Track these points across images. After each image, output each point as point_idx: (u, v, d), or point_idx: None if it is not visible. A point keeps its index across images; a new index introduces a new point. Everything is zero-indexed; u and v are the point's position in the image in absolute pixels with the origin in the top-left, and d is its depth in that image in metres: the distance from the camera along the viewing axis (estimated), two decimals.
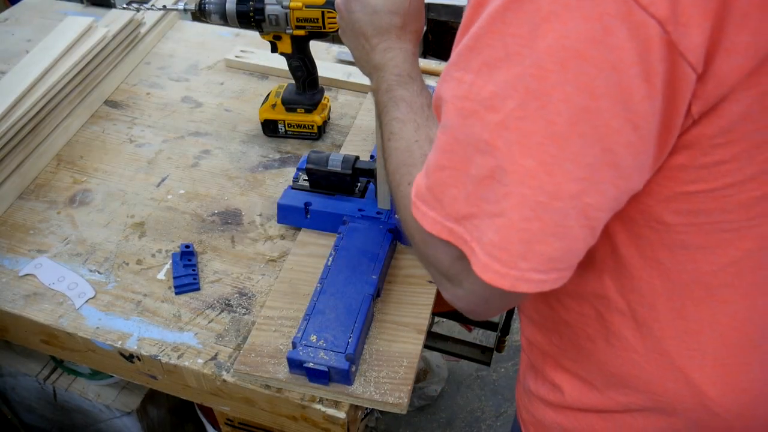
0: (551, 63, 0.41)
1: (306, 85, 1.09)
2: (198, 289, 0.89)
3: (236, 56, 1.31)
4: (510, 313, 1.49)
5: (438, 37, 1.71)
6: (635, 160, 0.45)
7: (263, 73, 1.30)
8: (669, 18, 0.39)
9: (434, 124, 0.62)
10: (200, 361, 0.80)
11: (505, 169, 0.44)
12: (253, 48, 1.34)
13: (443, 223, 0.50)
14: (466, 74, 0.46)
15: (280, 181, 1.06)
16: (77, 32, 1.19)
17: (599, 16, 0.40)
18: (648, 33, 0.40)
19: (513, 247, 0.45)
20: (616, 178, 0.45)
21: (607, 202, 0.46)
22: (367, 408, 0.83)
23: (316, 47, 1.36)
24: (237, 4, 1.00)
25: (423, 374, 1.87)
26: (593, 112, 0.42)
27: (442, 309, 1.53)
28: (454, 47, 0.52)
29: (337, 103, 1.23)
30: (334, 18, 0.97)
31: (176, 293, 0.88)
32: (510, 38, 0.43)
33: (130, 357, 0.83)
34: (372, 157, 0.96)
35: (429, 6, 1.60)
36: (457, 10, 1.63)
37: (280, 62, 1.29)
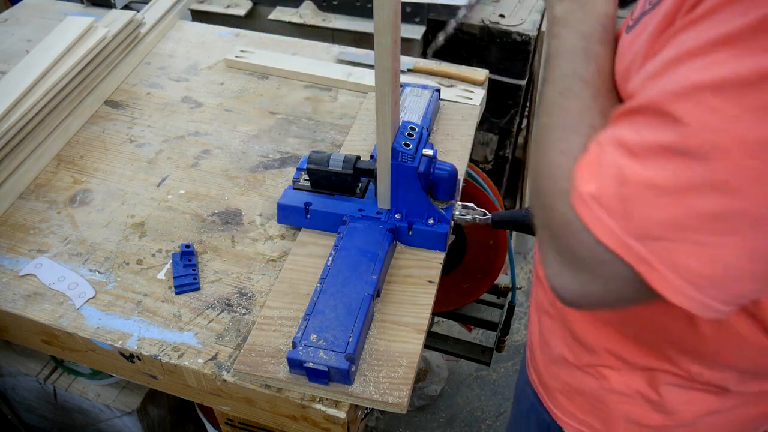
0: None
1: None
2: (198, 289, 0.89)
3: (236, 56, 1.31)
4: (510, 314, 1.49)
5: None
6: None
7: (263, 73, 1.30)
8: None
9: (614, 98, 0.57)
10: (200, 360, 0.81)
11: (736, 212, 0.42)
12: (253, 48, 1.34)
13: (621, 237, 0.47)
14: (730, 105, 0.41)
15: (280, 181, 1.06)
16: (77, 32, 1.19)
17: None
18: None
19: (717, 280, 0.45)
20: None
21: None
22: (367, 408, 0.83)
23: (316, 47, 1.36)
24: None
25: (423, 374, 1.87)
26: None
27: (442, 309, 1.54)
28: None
29: (337, 103, 1.23)
30: None
31: (176, 293, 0.88)
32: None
33: (131, 357, 0.83)
34: (372, 157, 0.96)
35: (429, 6, 1.60)
36: (455, 10, 1.63)
37: (280, 62, 1.29)
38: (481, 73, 1.25)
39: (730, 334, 0.59)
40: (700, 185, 0.42)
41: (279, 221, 0.97)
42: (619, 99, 0.58)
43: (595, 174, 0.48)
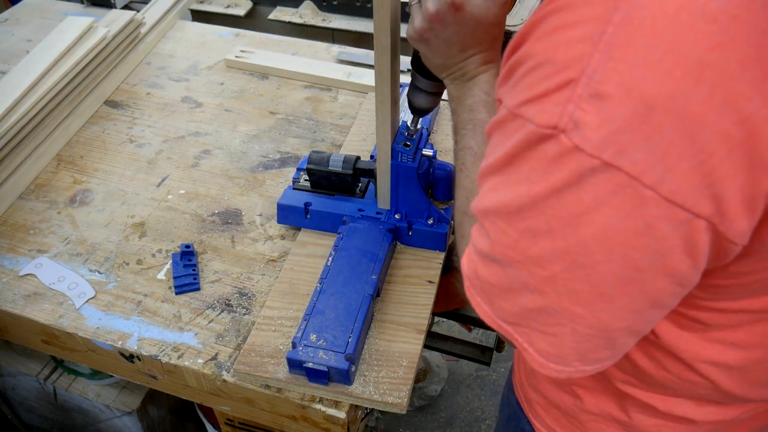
0: (596, 246, 0.43)
1: None
2: (198, 289, 0.89)
3: (236, 56, 1.31)
4: None
5: None
6: (679, 298, 0.48)
7: (263, 73, 1.30)
8: (714, 214, 0.40)
9: None
10: (200, 361, 0.81)
11: (554, 309, 0.47)
12: (253, 48, 1.34)
13: (494, 319, 0.53)
14: (510, 228, 0.47)
15: (280, 181, 1.06)
16: (77, 32, 1.19)
17: (642, 215, 0.41)
18: (694, 226, 0.40)
19: (568, 358, 0.50)
20: (661, 311, 0.48)
21: (655, 321, 0.50)
22: (367, 408, 0.83)
23: (316, 47, 1.36)
24: None
25: (423, 374, 1.87)
26: (639, 281, 0.44)
27: (441, 309, 1.53)
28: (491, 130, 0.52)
29: (337, 103, 1.23)
30: None
31: (176, 293, 0.88)
32: (552, 219, 0.44)
33: (131, 357, 0.83)
34: (372, 157, 0.96)
35: None
36: None
37: (280, 62, 1.29)
38: None
39: (662, 368, 0.61)
40: (518, 287, 0.48)
41: (279, 221, 0.97)
42: None
43: (468, 260, 0.54)
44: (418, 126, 0.84)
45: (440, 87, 0.78)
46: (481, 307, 0.53)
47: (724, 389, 0.60)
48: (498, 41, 0.68)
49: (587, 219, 0.42)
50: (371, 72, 1.25)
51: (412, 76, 0.79)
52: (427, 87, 0.78)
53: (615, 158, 0.39)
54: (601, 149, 0.39)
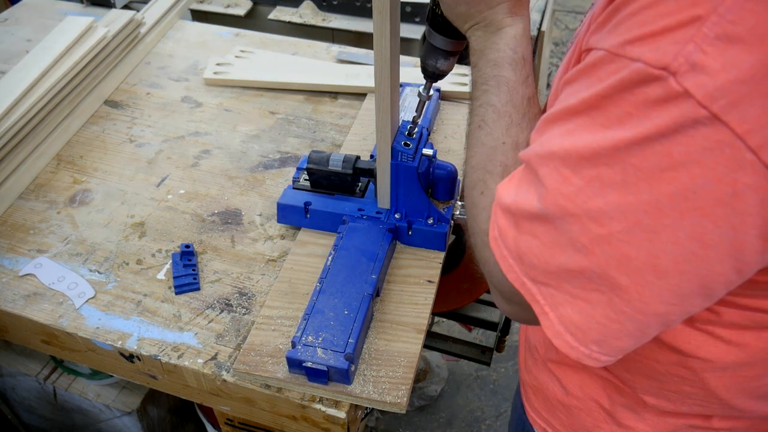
0: (670, 208, 0.40)
1: None
2: (198, 289, 0.89)
3: (215, 72, 1.27)
4: None
5: None
6: (726, 291, 0.45)
7: (243, 87, 1.26)
8: None
9: (528, 126, 0.59)
10: (200, 360, 0.81)
11: (597, 274, 0.45)
12: (252, 48, 1.34)
13: (519, 275, 0.50)
14: (574, 176, 0.44)
15: (280, 181, 1.06)
16: (77, 32, 1.19)
17: (733, 181, 0.38)
18: None
19: (590, 334, 0.47)
20: (705, 301, 0.45)
21: (688, 315, 0.47)
22: (367, 408, 0.83)
23: (316, 47, 1.36)
24: None
25: (423, 374, 1.87)
26: (701, 258, 0.41)
27: (442, 309, 1.54)
28: (556, 88, 0.49)
29: (337, 102, 1.23)
30: None
31: (176, 293, 0.88)
32: (630, 169, 0.41)
33: (130, 357, 0.83)
34: (372, 156, 0.96)
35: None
36: None
37: (262, 74, 1.29)
38: None
39: (653, 359, 0.60)
40: (563, 243, 0.46)
41: (279, 221, 0.97)
42: None
43: (499, 215, 0.52)
44: (431, 93, 0.80)
45: (458, 45, 0.73)
46: (506, 261, 0.50)
47: (711, 389, 0.59)
48: None
49: (670, 175, 0.39)
50: (371, 72, 1.25)
51: (427, 35, 0.74)
52: (445, 45, 0.72)
53: (724, 111, 0.36)
54: (713, 99, 0.36)
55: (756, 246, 0.40)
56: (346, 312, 0.78)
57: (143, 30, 1.35)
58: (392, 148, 0.84)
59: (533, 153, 0.48)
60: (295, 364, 0.74)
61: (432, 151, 0.88)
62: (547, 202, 0.46)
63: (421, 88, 0.80)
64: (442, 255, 0.91)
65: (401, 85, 1.13)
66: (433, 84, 0.78)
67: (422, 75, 0.77)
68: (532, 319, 0.52)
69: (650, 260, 0.42)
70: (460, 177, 0.94)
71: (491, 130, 0.60)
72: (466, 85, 1.17)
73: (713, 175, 0.38)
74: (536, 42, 1.59)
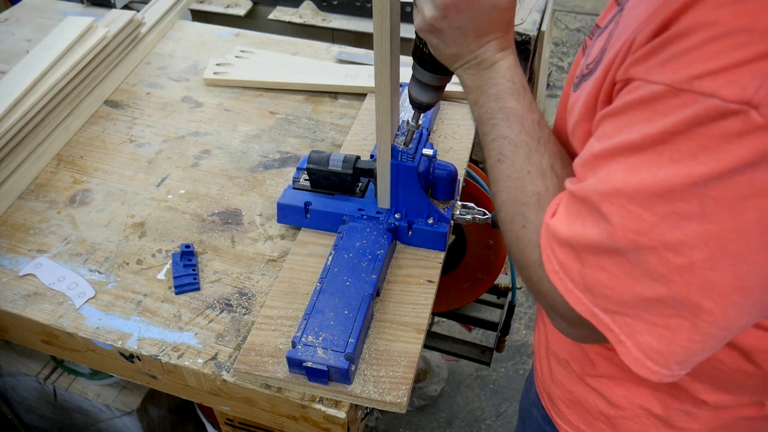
0: (756, 233, 0.41)
1: None
2: (198, 289, 0.89)
3: (215, 72, 1.27)
4: (510, 314, 1.49)
5: None
6: None
7: (243, 87, 1.27)
8: None
9: (546, 150, 0.60)
10: (200, 360, 0.81)
11: (677, 301, 0.45)
12: (252, 48, 1.34)
13: (588, 306, 0.51)
14: (646, 212, 0.44)
15: (280, 181, 1.06)
16: (77, 32, 1.19)
17: None
18: None
19: (672, 358, 0.48)
20: None
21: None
22: (367, 408, 0.83)
23: (316, 47, 1.36)
24: None
25: (423, 374, 1.87)
26: None
27: (442, 309, 1.54)
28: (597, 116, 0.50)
29: (337, 102, 1.23)
30: None
31: (176, 293, 0.88)
32: (710, 201, 0.41)
33: (131, 357, 0.83)
34: (372, 156, 0.96)
35: None
36: None
37: (262, 74, 1.29)
38: None
39: (713, 358, 0.60)
40: (638, 274, 0.46)
41: (279, 221, 0.97)
42: (568, 149, 0.62)
43: (557, 249, 0.52)
44: (420, 122, 0.82)
45: (444, 80, 0.75)
46: (573, 294, 0.51)
47: None
48: (511, 26, 0.66)
49: (755, 202, 0.40)
50: (371, 72, 1.25)
51: (413, 70, 0.76)
52: (432, 81, 0.75)
53: None
54: None
55: None
56: (346, 312, 0.78)
57: (143, 30, 1.35)
58: (392, 148, 0.84)
59: (592, 190, 0.48)
60: (295, 364, 0.74)
61: (432, 151, 0.88)
62: (616, 238, 0.46)
63: (409, 118, 0.81)
64: (442, 255, 0.91)
65: (401, 85, 1.13)
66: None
67: (410, 106, 0.79)
68: (600, 340, 0.53)
69: (736, 282, 0.43)
70: (460, 177, 0.94)
71: (512, 162, 0.61)
72: None
73: None
74: (536, 42, 1.59)
